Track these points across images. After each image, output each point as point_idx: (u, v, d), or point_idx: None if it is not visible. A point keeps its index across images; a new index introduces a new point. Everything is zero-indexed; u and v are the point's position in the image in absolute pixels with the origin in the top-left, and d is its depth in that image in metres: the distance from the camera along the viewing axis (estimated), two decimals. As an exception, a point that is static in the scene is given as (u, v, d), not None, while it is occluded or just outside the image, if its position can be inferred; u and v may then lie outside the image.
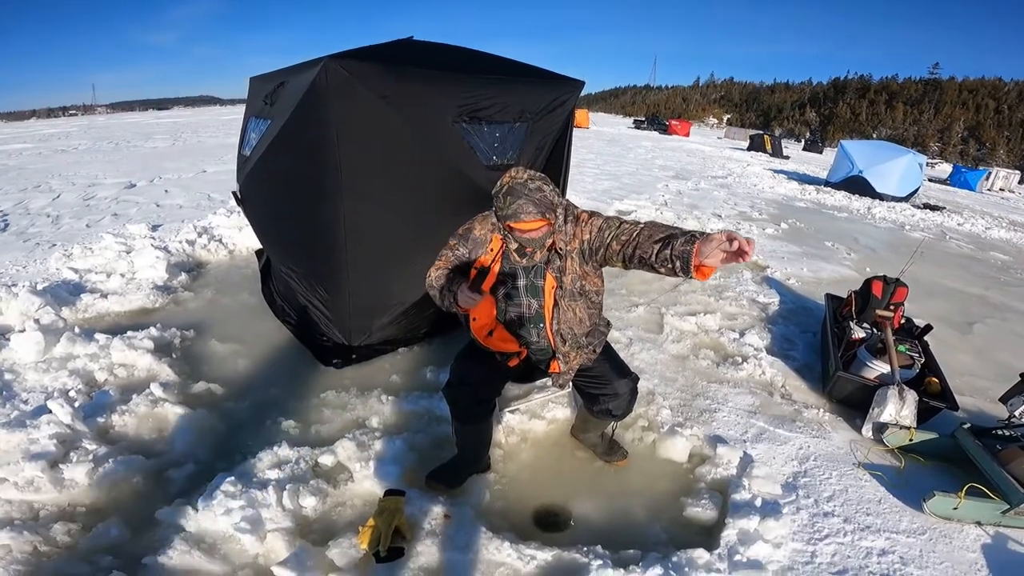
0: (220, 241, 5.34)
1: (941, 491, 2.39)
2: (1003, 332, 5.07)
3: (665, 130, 41.10)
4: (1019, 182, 28.65)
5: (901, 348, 3.36)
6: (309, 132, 2.84)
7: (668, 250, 1.63)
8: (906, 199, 14.38)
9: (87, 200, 7.40)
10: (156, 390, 2.73)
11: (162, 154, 12.81)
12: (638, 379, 2.33)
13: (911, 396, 3.01)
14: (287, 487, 2.15)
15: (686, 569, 1.96)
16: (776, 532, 2.21)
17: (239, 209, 4.65)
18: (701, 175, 14.00)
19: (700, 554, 2.04)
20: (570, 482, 2.50)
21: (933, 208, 13.64)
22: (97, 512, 2.08)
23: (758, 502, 2.34)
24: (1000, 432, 2.82)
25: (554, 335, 2.06)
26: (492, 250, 1.98)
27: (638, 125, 47.03)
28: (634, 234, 1.78)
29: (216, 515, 1.98)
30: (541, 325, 2.07)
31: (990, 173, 26.58)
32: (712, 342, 3.99)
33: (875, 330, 3.74)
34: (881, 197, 13.85)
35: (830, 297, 4.45)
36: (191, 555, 1.86)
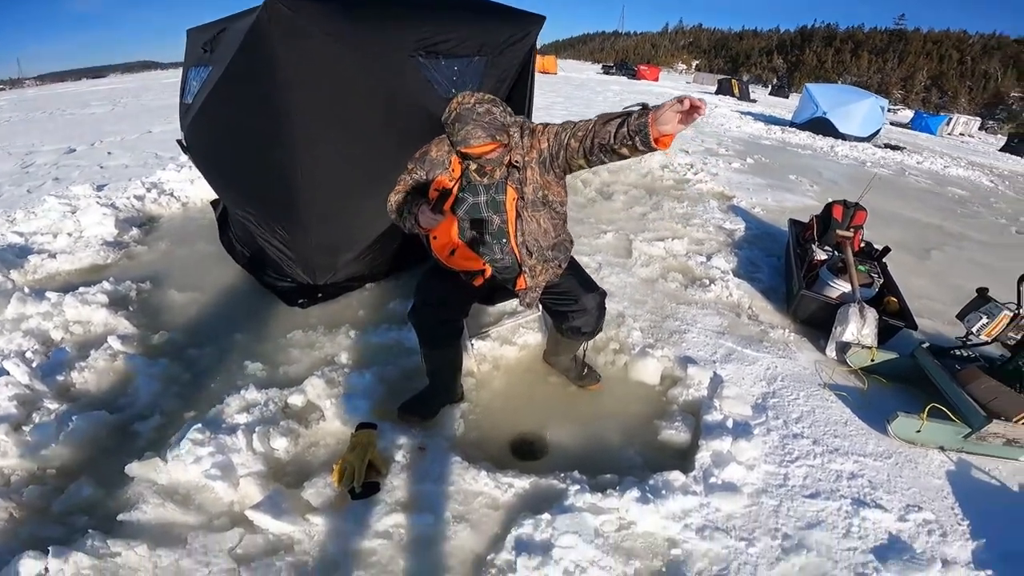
0: (171, 195, 5.08)
1: (904, 412, 2.43)
2: (959, 259, 5.24)
3: (634, 75, 40.43)
4: (979, 128, 29.47)
5: (861, 268, 3.42)
6: (253, 76, 2.69)
7: (625, 128, 1.62)
8: (868, 139, 14.75)
9: (25, 168, 6.99)
10: (114, 343, 2.63)
11: (101, 119, 11.98)
12: (605, 294, 2.29)
13: (871, 314, 3.07)
14: (256, 430, 2.09)
15: (663, 492, 1.96)
16: (749, 454, 2.23)
17: (190, 163, 4.44)
18: None
19: (676, 476, 2.04)
20: (544, 409, 2.48)
21: (894, 148, 13.98)
22: (67, 473, 2.02)
23: (729, 423, 2.35)
24: (958, 352, 2.89)
25: (519, 247, 2.02)
26: (452, 171, 1.96)
27: (607, 71, 46.07)
28: (590, 126, 1.77)
29: (186, 464, 1.93)
30: (504, 240, 2.04)
31: (951, 119, 27.14)
32: (680, 265, 4.01)
33: (836, 252, 3.82)
34: (844, 137, 14.12)
35: (793, 222, 4.54)
36: (165, 508, 1.82)
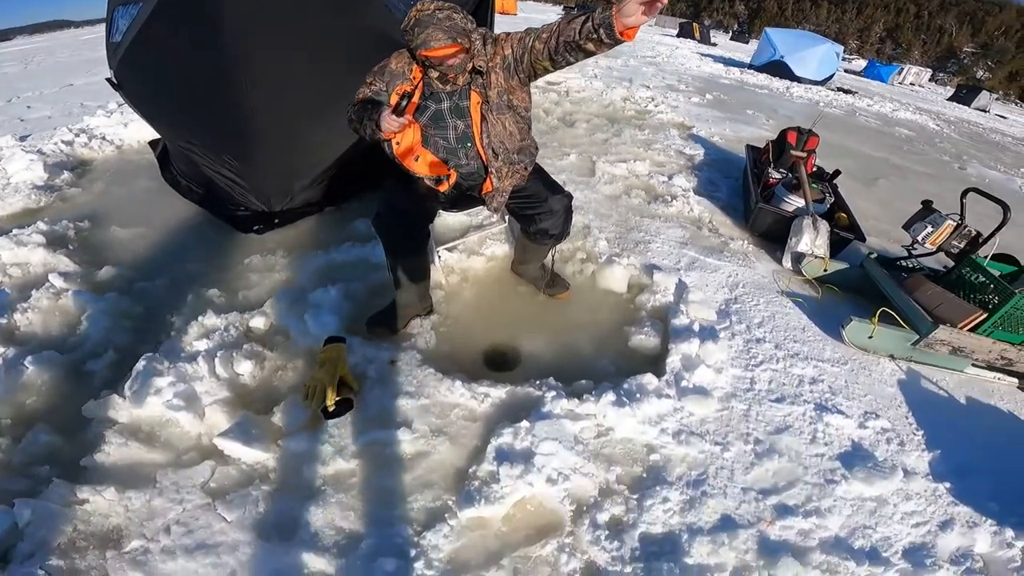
0: (103, 139, 4.66)
1: (857, 317, 2.52)
2: (904, 188, 5.45)
3: (595, 15, 39.10)
4: (929, 79, 30.31)
5: (814, 186, 3.53)
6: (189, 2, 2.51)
7: (589, 23, 1.62)
8: (822, 83, 15.05)
9: None
10: (56, 281, 2.45)
11: (13, 79, 10.72)
12: (571, 197, 2.29)
13: (824, 226, 3.17)
14: (219, 355, 2.00)
15: (638, 395, 1.99)
16: (716, 357, 2.29)
17: (122, 108, 4.18)
18: (631, 55, 13.67)
19: (649, 379, 2.07)
20: (515, 319, 2.47)
21: (846, 91, 14.31)
22: (23, 421, 1.88)
23: (696, 327, 2.40)
24: (905, 263, 3.02)
25: (484, 149, 2.00)
26: (413, 79, 1.93)
27: (567, 12, 44.41)
28: (554, 27, 1.76)
29: (146, 399, 1.82)
30: (469, 144, 2.01)
31: (903, 68, 27.73)
32: (643, 184, 4.04)
33: (790, 173, 3.90)
34: (799, 80, 14.38)
35: (750, 147, 4.62)
36: (128, 447, 1.73)
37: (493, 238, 2.86)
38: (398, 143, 1.98)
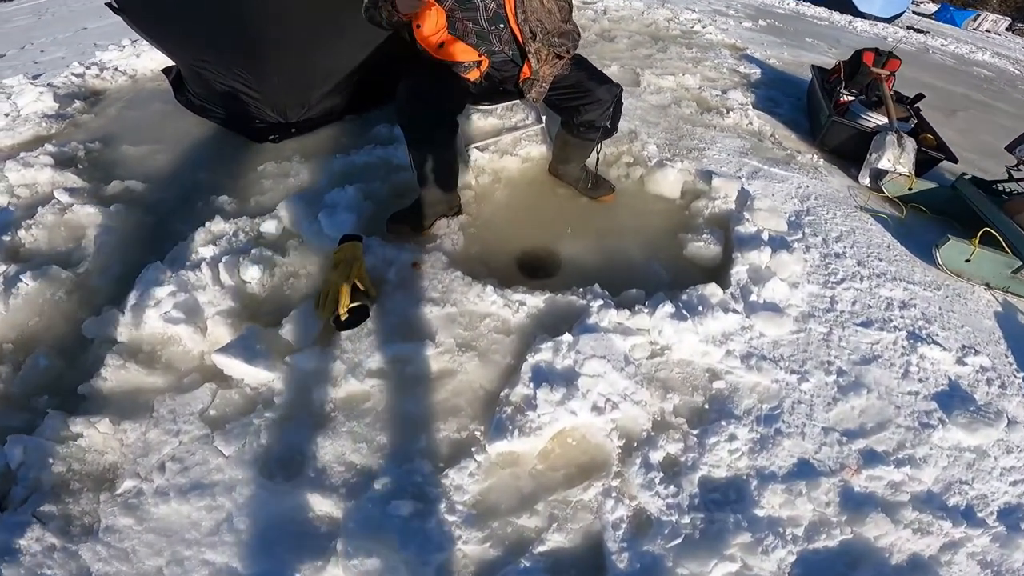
0: (116, 70, 4.46)
1: (954, 237, 2.20)
2: (985, 121, 4.97)
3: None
4: (1007, 28, 27.94)
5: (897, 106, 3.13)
6: None
7: None
8: (889, 20, 13.79)
9: None
10: (62, 196, 2.27)
11: (28, 28, 10.53)
12: (621, 89, 2.02)
13: (910, 143, 2.82)
14: (224, 260, 1.79)
15: (700, 308, 1.72)
16: (790, 269, 1.99)
17: (135, 40, 4.06)
18: None
19: (713, 290, 1.80)
20: (554, 222, 2.21)
21: (918, 31, 13.00)
22: (24, 346, 1.71)
23: (765, 236, 2.09)
24: (1003, 187, 2.64)
25: (520, 27, 1.80)
26: None
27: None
28: None
29: (145, 311, 1.63)
30: (503, 26, 1.82)
31: (979, 15, 25.64)
32: (694, 96, 3.66)
33: (867, 95, 3.44)
34: (863, 16, 13.17)
35: (816, 68, 4.12)
36: (127, 370, 1.54)
37: (529, 139, 2.55)
38: (419, 26, 1.74)
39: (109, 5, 3.28)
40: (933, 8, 28.73)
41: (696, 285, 1.81)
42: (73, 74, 4.23)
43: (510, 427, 1.36)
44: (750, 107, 3.48)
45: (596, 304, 1.69)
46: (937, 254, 2.22)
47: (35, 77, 4.61)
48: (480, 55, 1.86)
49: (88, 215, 2.18)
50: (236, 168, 2.60)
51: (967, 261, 2.19)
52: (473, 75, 1.88)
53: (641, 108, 3.23)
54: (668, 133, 2.95)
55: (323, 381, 1.51)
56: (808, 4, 13.44)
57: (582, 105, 1.96)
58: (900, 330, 1.87)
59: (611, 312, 1.66)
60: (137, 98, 3.84)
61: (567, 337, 1.57)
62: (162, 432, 1.40)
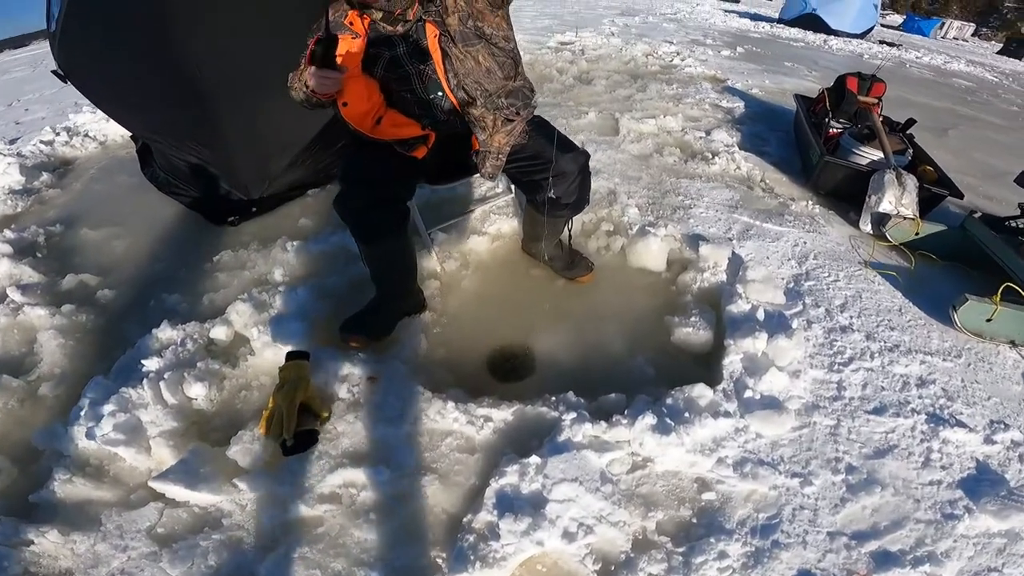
0: (87, 135, 4.46)
1: (973, 295, 1.99)
2: (977, 137, 4.88)
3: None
4: (972, 34, 28.68)
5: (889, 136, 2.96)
6: None
7: None
8: (861, 36, 14.14)
9: None
10: (15, 295, 2.28)
11: (21, 81, 10.90)
12: (588, 156, 1.83)
13: (910, 180, 2.64)
14: (167, 377, 1.69)
15: (686, 414, 1.55)
16: (790, 355, 1.80)
17: None
18: (649, 12, 13.02)
19: (701, 392, 1.63)
20: (527, 312, 2.04)
21: (890, 44, 13.34)
22: None
23: (760, 315, 1.89)
24: (1017, 224, 2.45)
25: (454, 92, 1.63)
26: (352, 23, 1.56)
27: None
28: None
29: (90, 430, 1.59)
30: (440, 94, 1.64)
31: (944, 23, 26.32)
32: (676, 141, 3.53)
33: (855, 124, 3.31)
34: (836, 33, 13.49)
35: (800, 97, 4.01)
36: (74, 484, 1.52)
37: (498, 212, 2.38)
38: (345, 104, 1.58)
39: (55, 73, 3.20)
40: (899, 19, 29.54)
41: (683, 385, 1.62)
42: (43, 141, 4.23)
43: (472, 557, 1.26)
44: (736, 148, 3.31)
45: (569, 417, 1.51)
46: (955, 316, 2.00)
47: (12, 142, 4.67)
48: (424, 129, 1.68)
49: (39, 317, 2.14)
50: (193, 258, 2.50)
51: (988, 320, 1.98)
52: (420, 152, 1.70)
53: (621, 161, 3.07)
54: (651, 189, 2.78)
55: (273, 505, 1.41)
56: (782, 26, 13.78)
57: (544, 179, 1.76)
58: (919, 413, 1.66)
59: (586, 426, 1.49)
60: (106, 169, 3.84)
61: (535, 459, 1.41)
62: (110, 547, 1.36)
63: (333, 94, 1.55)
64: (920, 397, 1.72)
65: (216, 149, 2.61)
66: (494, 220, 2.36)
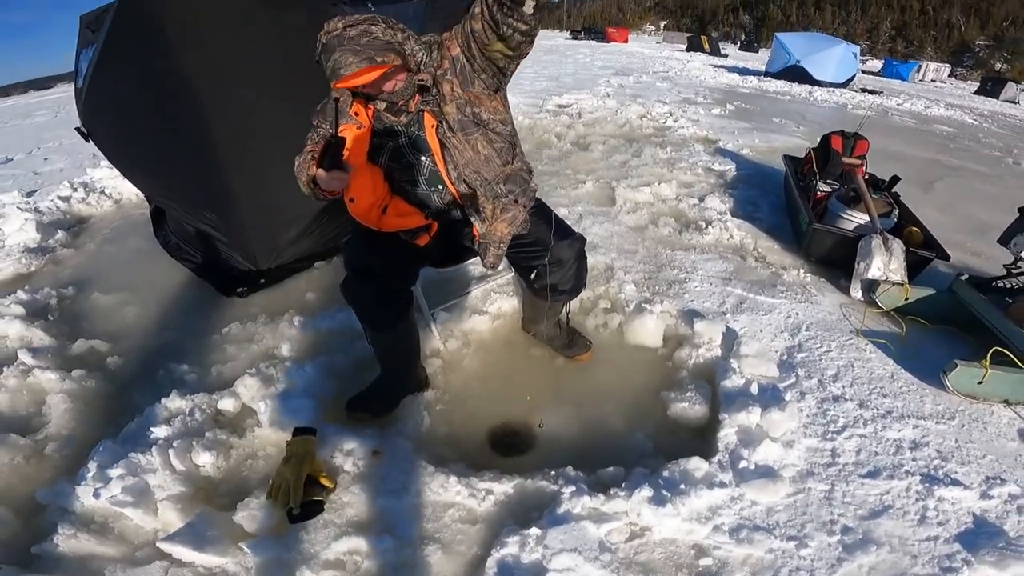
0: (103, 192, 4.59)
1: (962, 360, 2.05)
2: (964, 188, 5.01)
3: (603, 38, 39.67)
4: (948, 75, 29.75)
5: (874, 197, 3.06)
6: (135, 38, 2.36)
7: None
8: (844, 85, 14.81)
9: None
10: (26, 358, 2.33)
11: (42, 127, 11.29)
12: (584, 240, 1.90)
13: (897, 245, 2.71)
14: (176, 444, 1.76)
15: (682, 486, 1.60)
16: (783, 427, 1.85)
17: None
18: (643, 72, 13.55)
19: (696, 464, 1.67)
20: (527, 389, 2.09)
21: (872, 92, 13.95)
22: None
23: (754, 388, 1.96)
24: (1003, 283, 2.53)
25: (455, 184, 1.63)
26: (357, 114, 1.56)
27: (575, 36, 45.26)
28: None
29: (96, 489, 1.65)
30: (441, 186, 1.67)
31: (921, 66, 27.37)
32: (671, 210, 3.65)
33: (842, 184, 3.45)
34: (820, 84, 14.14)
35: (788, 158, 4.18)
36: (78, 539, 1.56)
37: (499, 291, 2.46)
38: (352, 200, 1.62)
39: (78, 130, 3.34)
40: (878, 64, 30.62)
41: (679, 458, 1.67)
42: (60, 197, 4.36)
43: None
44: (729, 216, 3.44)
45: (568, 490, 1.56)
46: (946, 381, 2.06)
47: (29, 195, 4.84)
48: (426, 219, 1.74)
49: (50, 381, 2.18)
50: (201, 328, 2.56)
51: (980, 383, 2.03)
52: (423, 240, 1.76)
53: (618, 234, 3.18)
54: (646, 263, 2.87)
55: (278, 569, 1.44)
56: (769, 79, 14.35)
57: (542, 266, 1.81)
58: (913, 475, 1.71)
59: (584, 498, 1.54)
60: (119, 229, 3.95)
61: (535, 530, 1.46)
62: (114, 603, 1.35)
63: (340, 192, 1.58)
64: (914, 459, 1.77)
65: (227, 217, 2.70)
66: (495, 299, 2.44)
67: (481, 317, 2.36)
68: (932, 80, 26.65)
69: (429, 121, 1.55)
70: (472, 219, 1.69)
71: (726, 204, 3.68)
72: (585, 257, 1.89)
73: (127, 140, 3.01)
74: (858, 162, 3.44)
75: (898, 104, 11.60)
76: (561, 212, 3.34)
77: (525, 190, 1.74)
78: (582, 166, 4.51)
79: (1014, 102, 17.88)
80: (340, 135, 1.48)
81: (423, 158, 1.62)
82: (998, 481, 1.70)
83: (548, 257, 1.76)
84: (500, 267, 2.47)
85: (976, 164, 6.11)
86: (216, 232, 2.79)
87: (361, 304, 1.73)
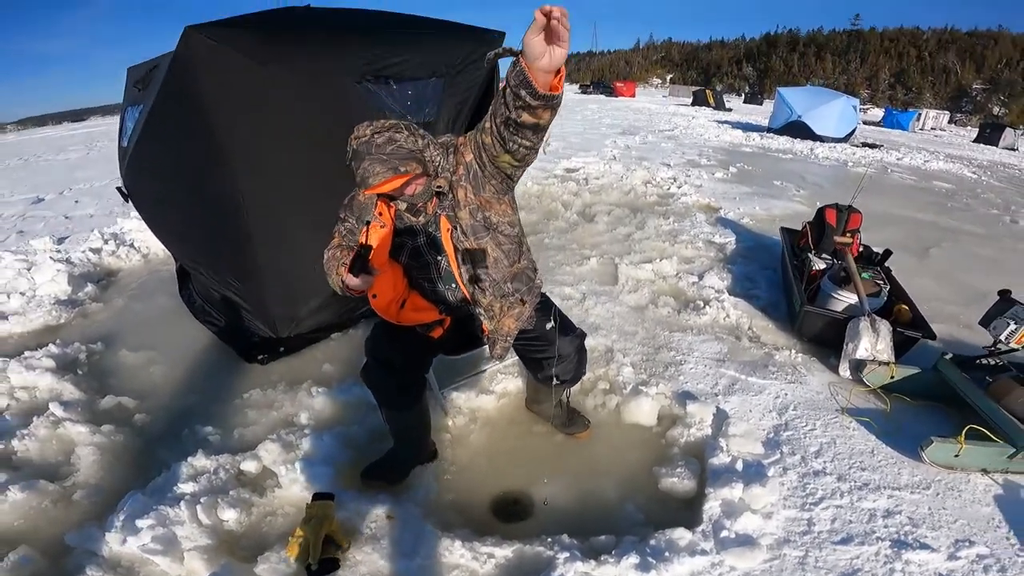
0: (132, 246, 4.82)
1: (938, 436, 2.18)
2: (960, 254, 5.08)
3: (611, 92, 40.96)
4: (948, 122, 30.29)
5: (865, 276, 3.21)
6: (179, 111, 2.50)
7: (508, 89, 1.30)
8: (845, 139, 15.06)
9: None
10: (57, 410, 2.48)
11: (75, 165, 11.79)
12: (585, 336, 2.08)
13: (884, 327, 2.83)
14: (203, 500, 1.91)
15: (667, 553, 1.73)
16: (764, 500, 1.99)
17: None
18: (648, 130, 13.95)
19: (681, 534, 1.81)
20: (529, 463, 2.24)
21: (872, 146, 14.16)
22: (7, 541, 1.87)
23: (739, 465, 2.11)
24: (986, 361, 2.64)
25: (466, 286, 1.76)
26: (380, 214, 1.68)
27: (584, 90, 46.88)
28: (488, 112, 1.46)
29: (125, 537, 1.79)
30: (453, 285, 1.80)
31: (920, 114, 27.88)
32: (671, 288, 3.80)
33: (835, 260, 3.60)
34: (821, 139, 14.38)
35: (785, 231, 4.34)
36: None
37: (505, 372, 2.63)
38: (375, 296, 1.77)
39: (119, 189, 3.51)
40: (879, 114, 31.15)
41: (666, 528, 1.81)
42: (91, 249, 4.54)
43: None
44: (726, 295, 3.58)
45: (563, 556, 1.70)
46: (923, 454, 2.18)
47: (60, 241, 5.04)
48: (441, 314, 1.89)
49: (79, 434, 2.33)
50: (224, 393, 2.70)
51: (956, 456, 2.15)
52: (437, 333, 1.92)
53: (619, 315, 3.34)
54: (645, 345, 3.02)
55: None
56: (772, 135, 14.65)
57: (545, 359, 1.97)
58: (883, 540, 1.82)
59: (577, 564, 1.68)
60: (146, 285, 4.11)
61: None
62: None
63: (366, 291, 1.70)
64: (886, 526, 1.88)
65: (251, 287, 2.87)
66: (501, 380, 2.59)
67: (488, 396, 2.52)
68: (932, 128, 27.04)
69: (444, 225, 1.66)
70: (481, 317, 1.82)
71: (724, 281, 3.83)
72: (585, 350, 2.06)
73: (163, 205, 3.22)
74: (849, 241, 3.57)
75: (898, 159, 11.81)
76: (566, 291, 3.57)
77: (531, 288, 1.89)
78: (587, 239, 4.70)
79: (1013, 148, 18.15)
80: (368, 246, 1.61)
81: (439, 258, 1.74)
82: (967, 543, 1.81)
83: (551, 351, 1.92)
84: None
85: (973, 225, 6.24)
86: (240, 299, 2.97)
87: (381, 391, 1.90)
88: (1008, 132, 19.92)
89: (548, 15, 1.10)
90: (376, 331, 1.96)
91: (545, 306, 2.00)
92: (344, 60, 2.63)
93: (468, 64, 3.08)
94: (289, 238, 2.70)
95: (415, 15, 3.25)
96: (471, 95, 3.13)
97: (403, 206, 1.68)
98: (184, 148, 2.64)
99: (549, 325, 1.95)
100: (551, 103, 1.28)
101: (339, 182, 2.56)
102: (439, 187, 1.61)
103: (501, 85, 1.35)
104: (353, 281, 1.55)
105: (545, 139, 1.49)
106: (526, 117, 1.31)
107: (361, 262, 1.56)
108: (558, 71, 1.22)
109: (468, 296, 1.80)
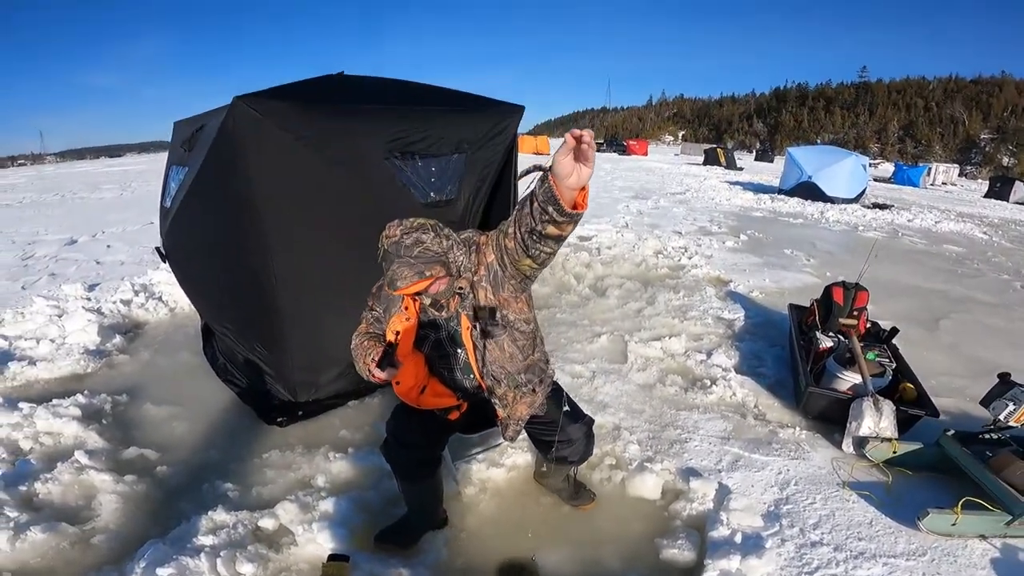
0: (160, 299, 5.02)
1: (936, 507, 2.25)
2: (970, 325, 5.06)
3: (624, 151, 41.47)
4: (958, 175, 30.44)
5: (870, 356, 3.27)
6: (223, 179, 2.66)
7: (536, 203, 1.41)
8: (856, 200, 14.88)
9: (25, 260, 7.08)
10: (81, 457, 2.57)
11: (108, 205, 12.26)
12: (593, 422, 2.20)
13: (887, 406, 2.91)
14: (222, 554, 1.99)
15: None
16: (761, 570, 2.06)
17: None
18: (660, 193, 14.17)
19: None
20: (536, 532, 2.32)
21: (882, 207, 14.13)
22: None
23: (738, 538, 2.18)
24: (987, 436, 2.71)
25: (484, 378, 1.87)
26: (407, 307, 1.79)
27: (598, 148, 47.59)
28: (512, 219, 1.57)
29: None
30: (471, 376, 1.91)
31: (931, 168, 27.89)
32: (679, 367, 3.85)
33: (842, 338, 3.66)
34: (832, 200, 14.24)
35: (793, 308, 4.41)
36: None
37: (515, 447, 2.74)
38: (398, 383, 1.89)
39: (158, 250, 3.67)
40: (890, 169, 31.23)
41: None
42: (122, 300, 4.70)
43: None
44: (733, 373, 3.65)
45: None
46: (921, 524, 2.24)
47: (91, 288, 5.22)
48: (458, 400, 2.00)
49: (103, 481, 2.43)
50: (244, 451, 2.81)
51: (953, 525, 2.22)
52: (453, 416, 2.04)
53: (627, 393, 3.40)
54: (651, 423, 3.08)
55: None
56: (783, 198, 14.72)
57: (554, 443, 2.06)
58: None
59: None
60: (171, 340, 4.24)
61: None
62: None
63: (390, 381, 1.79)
64: None
65: (275, 353, 2.98)
66: (511, 454, 2.69)
67: (498, 469, 2.62)
68: (943, 183, 26.99)
69: (465, 323, 1.74)
70: (495, 405, 1.92)
71: (732, 359, 3.90)
72: (592, 435, 2.18)
73: (197, 268, 3.37)
74: (854, 323, 3.63)
75: (908, 220, 11.83)
76: (576, 368, 3.63)
77: (543, 379, 1.99)
78: (598, 315, 4.80)
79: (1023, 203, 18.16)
80: (394, 344, 1.73)
81: (459, 351, 1.85)
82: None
83: (560, 435, 2.04)
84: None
85: (984, 293, 6.22)
86: (262, 363, 3.08)
87: (400, 466, 2.04)
88: (1018, 186, 19.97)
89: (579, 139, 1.24)
90: (398, 412, 2.09)
91: (556, 394, 2.12)
92: (372, 136, 2.76)
93: (490, 139, 3.24)
94: (315, 314, 2.84)
95: (439, 87, 3.45)
96: (491, 171, 3.29)
97: (428, 301, 1.77)
98: (224, 217, 2.78)
99: (559, 411, 2.08)
100: (575, 219, 1.39)
101: (365, 258, 2.79)
102: (460, 289, 1.70)
103: (526, 192, 1.47)
104: (380, 374, 1.66)
105: None
106: (551, 230, 1.42)
107: (388, 358, 1.68)
108: (583, 188, 1.34)
109: (484, 387, 1.90)
